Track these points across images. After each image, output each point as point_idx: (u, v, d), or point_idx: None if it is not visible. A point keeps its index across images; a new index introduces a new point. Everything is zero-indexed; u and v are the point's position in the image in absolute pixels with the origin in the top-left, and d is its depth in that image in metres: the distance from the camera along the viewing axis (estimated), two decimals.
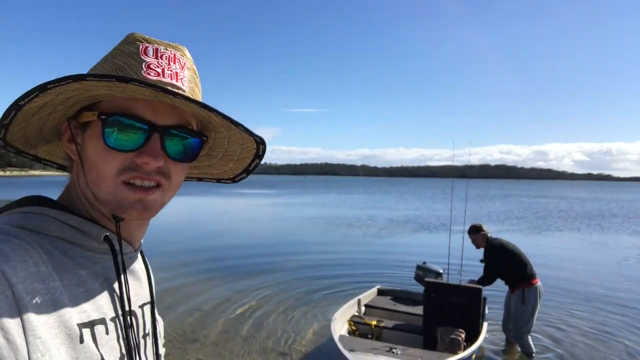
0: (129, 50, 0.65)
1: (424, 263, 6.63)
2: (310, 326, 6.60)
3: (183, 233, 14.22)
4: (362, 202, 40.85)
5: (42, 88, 0.56)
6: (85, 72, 0.63)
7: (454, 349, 4.78)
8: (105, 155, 0.63)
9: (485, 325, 5.33)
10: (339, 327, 5.27)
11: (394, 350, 4.61)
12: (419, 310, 5.83)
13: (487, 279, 5.75)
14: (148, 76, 0.63)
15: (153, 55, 0.65)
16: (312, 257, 12.10)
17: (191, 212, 25.67)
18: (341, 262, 11.43)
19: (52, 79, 0.55)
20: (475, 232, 5.98)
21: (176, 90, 0.60)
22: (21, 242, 0.56)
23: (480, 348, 5.11)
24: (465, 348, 4.79)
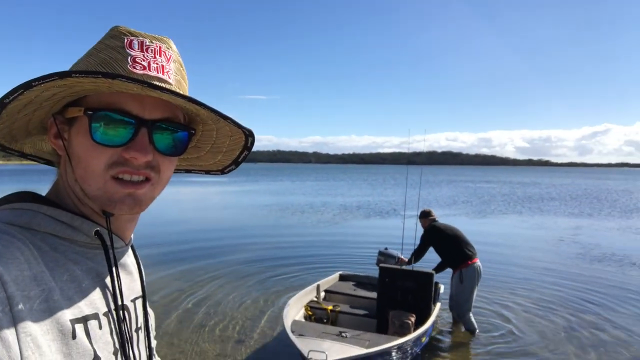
0: (114, 44, 0.64)
1: (386, 249, 6.77)
2: (266, 313, 6.62)
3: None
4: (316, 189, 41.05)
5: (26, 86, 0.55)
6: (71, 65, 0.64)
7: (403, 332, 4.91)
8: (92, 151, 0.62)
9: (437, 307, 5.50)
10: (294, 312, 5.31)
11: (343, 334, 4.69)
12: (375, 295, 5.96)
13: (410, 259, 6.06)
14: (134, 70, 0.62)
15: (138, 49, 0.64)
16: (266, 245, 12.04)
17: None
18: (300, 249, 11.43)
19: (37, 77, 0.55)
20: (424, 216, 6.29)
21: (163, 85, 0.61)
22: (12, 238, 0.56)
23: (434, 328, 5.28)
24: (415, 331, 4.93)
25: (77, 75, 0.55)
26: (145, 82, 0.56)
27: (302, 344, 4.07)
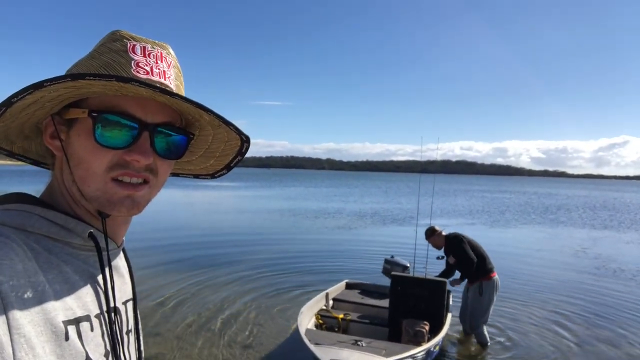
0: (116, 47, 0.65)
1: (392, 257, 6.76)
2: (277, 319, 6.61)
3: (145, 225, 13.79)
4: (329, 195, 41.08)
5: (38, 86, 0.55)
6: (67, 67, 0.65)
7: (418, 340, 4.88)
8: (94, 152, 0.63)
9: (449, 316, 5.46)
10: (306, 320, 5.30)
11: (359, 342, 4.67)
12: (385, 303, 5.91)
13: (451, 271, 5.88)
14: (137, 74, 0.64)
15: (141, 54, 0.65)
16: (279, 250, 12.09)
17: (153, 204, 25.02)
18: (308, 255, 11.46)
19: (48, 77, 0.55)
20: (431, 234, 6.09)
21: (172, 90, 0.63)
22: (6, 239, 0.56)
23: (443, 338, 5.24)
24: (429, 339, 4.90)
25: (91, 77, 0.55)
26: (157, 87, 0.58)
27: (321, 353, 4.07)
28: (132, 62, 0.64)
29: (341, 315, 5.68)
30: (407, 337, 5.02)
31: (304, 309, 5.37)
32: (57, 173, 0.69)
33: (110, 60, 0.64)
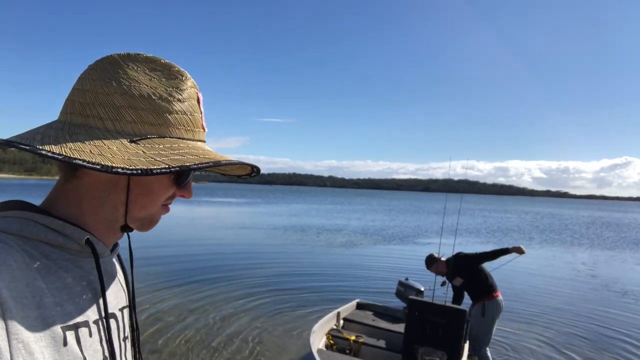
0: (189, 94, 0.68)
1: (406, 279, 6.55)
2: (282, 338, 6.51)
3: (144, 241, 13.67)
4: (333, 212, 41.01)
5: (215, 164, 0.63)
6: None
7: None
8: (166, 188, 0.69)
9: (466, 347, 5.21)
10: (318, 340, 5.13)
11: None
12: (398, 327, 5.76)
13: (460, 296, 5.80)
14: (204, 131, 0.71)
15: (201, 104, 0.71)
16: (284, 267, 12.03)
17: None
18: (316, 273, 11.36)
19: (224, 160, 0.64)
20: (432, 262, 5.97)
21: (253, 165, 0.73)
22: (4, 245, 0.56)
23: None
24: None
25: (225, 162, 0.64)
26: (256, 169, 0.73)
27: None
28: (201, 116, 0.71)
29: (353, 337, 5.47)
30: None
31: (315, 327, 5.19)
32: (84, 189, 0.66)
33: (185, 118, 0.67)
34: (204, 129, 0.71)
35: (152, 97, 0.63)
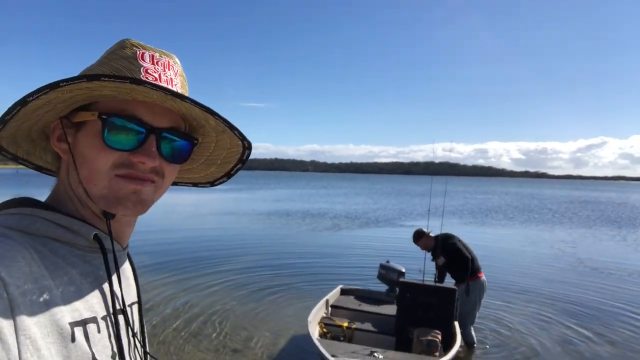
0: (126, 54, 0.67)
1: (388, 262, 6.63)
2: (266, 323, 6.51)
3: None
4: (316, 196, 41.03)
5: (53, 86, 0.57)
6: (76, 73, 0.66)
7: (431, 350, 4.71)
8: (100, 152, 0.64)
9: (456, 324, 5.26)
10: (313, 330, 5.07)
11: (375, 354, 4.50)
12: (385, 310, 5.83)
13: (443, 275, 5.94)
14: (147, 80, 0.65)
15: (149, 61, 0.68)
16: (266, 253, 12.02)
17: None
18: (300, 258, 11.37)
19: (64, 78, 0.57)
20: (420, 237, 6.07)
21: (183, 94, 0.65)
22: (13, 242, 0.57)
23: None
24: (440, 349, 4.76)
25: (106, 79, 0.57)
26: (168, 90, 0.59)
27: None
28: (142, 68, 0.66)
29: (345, 324, 5.48)
30: (420, 347, 4.78)
31: (310, 317, 5.18)
32: (63, 176, 0.70)
33: (120, 66, 0.66)
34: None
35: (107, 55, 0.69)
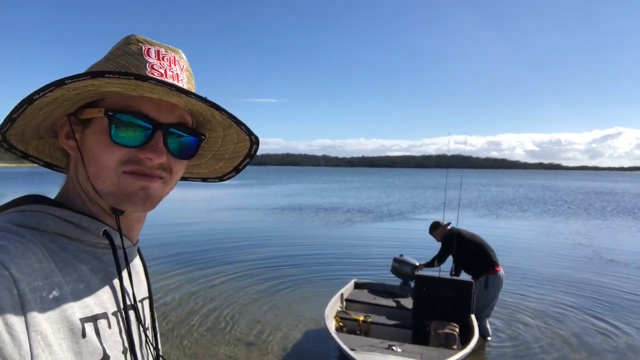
0: (132, 50, 0.67)
1: (401, 255, 6.64)
2: (283, 318, 6.50)
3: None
4: (329, 191, 40.99)
5: (59, 83, 0.57)
6: (82, 70, 0.65)
7: (449, 343, 4.72)
8: (108, 148, 0.64)
9: (473, 317, 5.29)
10: (330, 323, 5.09)
11: (393, 347, 4.50)
12: (400, 303, 5.85)
13: (432, 262, 6.04)
14: (152, 76, 0.65)
15: (155, 57, 0.68)
16: (279, 248, 12.03)
17: None
18: (310, 252, 11.40)
19: (70, 75, 0.58)
20: (436, 228, 6.16)
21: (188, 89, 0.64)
22: (23, 239, 0.57)
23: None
24: (458, 342, 4.76)
25: (110, 75, 0.57)
26: (173, 86, 0.60)
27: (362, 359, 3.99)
28: (147, 64, 0.66)
29: (361, 318, 5.49)
30: (437, 340, 4.77)
31: (327, 311, 5.21)
32: (72, 173, 0.71)
33: (126, 62, 0.66)
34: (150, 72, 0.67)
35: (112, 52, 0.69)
